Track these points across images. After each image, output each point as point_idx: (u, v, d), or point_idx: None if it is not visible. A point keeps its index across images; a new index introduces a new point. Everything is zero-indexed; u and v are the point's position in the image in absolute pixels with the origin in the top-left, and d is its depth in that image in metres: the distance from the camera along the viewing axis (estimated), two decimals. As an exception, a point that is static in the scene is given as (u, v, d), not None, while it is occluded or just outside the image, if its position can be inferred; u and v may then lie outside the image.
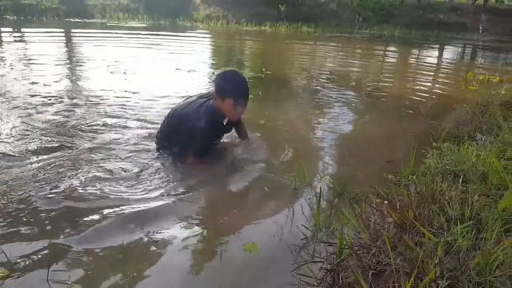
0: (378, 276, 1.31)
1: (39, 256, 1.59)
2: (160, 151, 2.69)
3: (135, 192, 2.18)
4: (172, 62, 6.93)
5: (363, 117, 4.25)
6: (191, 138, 2.43)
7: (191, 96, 2.74)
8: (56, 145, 2.80)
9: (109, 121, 3.43)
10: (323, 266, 1.39)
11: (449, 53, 13.21)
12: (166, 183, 2.31)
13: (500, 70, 8.18)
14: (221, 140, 2.80)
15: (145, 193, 2.18)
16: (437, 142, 2.90)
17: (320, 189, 2.12)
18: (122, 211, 1.97)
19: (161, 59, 7.28)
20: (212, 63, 7.78)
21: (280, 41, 12.88)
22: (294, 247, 1.67)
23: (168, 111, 2.76)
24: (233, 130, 2.91)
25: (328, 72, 7.08)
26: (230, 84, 2.42)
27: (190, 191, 2.24)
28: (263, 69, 6.59)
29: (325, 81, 6.16)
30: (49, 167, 2.41)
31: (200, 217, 1.99)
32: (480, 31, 18.17)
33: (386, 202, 1.54)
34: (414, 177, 2.18)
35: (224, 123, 2.52)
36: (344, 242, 1.40)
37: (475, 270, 1.14)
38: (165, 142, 2.67)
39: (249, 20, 17.37)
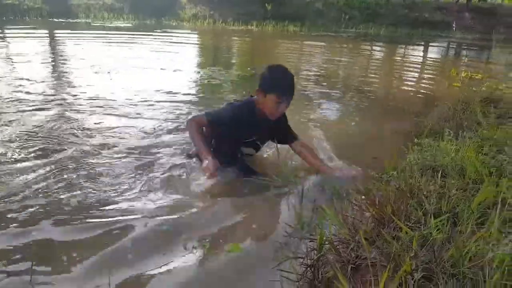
0: (357, 270, 1.33)
1: (22, 260, 1.57)
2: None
3: (115, 192, 2.17)
4: (157, 61, 6.89)
5: (348, 114, 4.29)
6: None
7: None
8: (40, 147, 2.75)
9: (94, 122, 3.40)
10: (304, 261, 1.40)
11: (434, 51, 13.42)
12: (146, 184, 2.30)
13: (482, 67, 8.34)
14: (252, 153, 2.58)
15: (127, 194, 2.17)
16: (419, 139, 2.95)
17: (303, 187, 2.13)
18: (106, 212, 1.96)
19: (146, 59, 7.23)
20: (198, 63, 7.77)
21: (266, 40, 12.90)
22: (277, 244, 1.69)
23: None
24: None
25: (313, 71, 7.14)
26: (277, 80, 2.26)
27: (171, 193, 2.23)
28: (249, 68, 6.61)
29: (310, 79, 6.21)
30: (38, 171, 2.37)
31: (180, 216, 1.99)
32: (454, 29, 18.52)
33: (363, 197, 1.57)
34: (395, 173, 2.21)
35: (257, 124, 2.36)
36: (324, 238, 1.42)
37: (450, 262, 1.17)
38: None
39: (235, 20, 17.35)
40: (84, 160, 2.58)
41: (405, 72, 7.82)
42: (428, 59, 11.01)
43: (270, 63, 2.37)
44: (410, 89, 5.91)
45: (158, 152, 2.79)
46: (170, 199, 2.14)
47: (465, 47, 14.70)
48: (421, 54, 12.21)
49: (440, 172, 1.96)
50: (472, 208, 1.50)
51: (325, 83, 5.91)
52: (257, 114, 2.35)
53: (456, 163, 2.05)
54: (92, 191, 2.17)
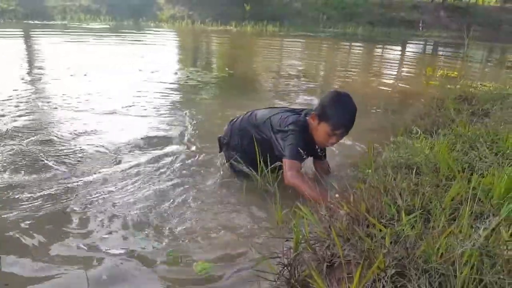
0: (333, 268, 1.34)
1: None
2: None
3: (97, 194, 2.13)
4: (135, 63, 6.81)
5: None
6: (281, 143, 2.15)
7: (270, 108, 2.47)
8: (19, 154, 2.68)
9: (75, 127, 3.31)
10: (281, 261, 1.41)
11: (411, 49, 13.68)
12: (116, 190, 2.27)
13: (457, 65, 8.55)
14: None
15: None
16: (394, 136, 3.00)
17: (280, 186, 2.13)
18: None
19: (124, 60, 7.14)
20: (176, 64, 7.71)
21: (245, 41, 12.90)
22: (255, 244, 1.69)
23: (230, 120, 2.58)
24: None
25: (292, 71, 7.17)
26: (336, 110, 2.04)
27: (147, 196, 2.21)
28: (227, 69, 6.60)
29: (289, 79, 6.25)
30: (16, 177, 2.31)
31: (158, 217, 1.97)
32: (421, 28, 19.00)
33: (337, 195, 1.58)
34: (370, 171, 2.24)
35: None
36: (301, 237, 1.43)
37: (422, 258, 1.19)
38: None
39: (214, 20, 17.30)
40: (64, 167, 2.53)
41: (382, 71, 7.96)
42: (404, 57, 11.24)
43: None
44: (386, 87, 6.01)
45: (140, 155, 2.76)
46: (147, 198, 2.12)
47: (441, 45, 15.03)
48: (398, 52, 12.44)
49: (414, 170, 2.00)
50: (444, 204, 1.53)
51: (302, 83, 5.96)
52: (310, 139, 2.19)
53: (429, 160, 2.09)
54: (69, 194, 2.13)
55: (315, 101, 4.88)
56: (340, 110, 2.05)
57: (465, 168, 1.98)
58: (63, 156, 2.67)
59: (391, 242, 1.26)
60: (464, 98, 3.73)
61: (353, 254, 1.26)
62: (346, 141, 3.46)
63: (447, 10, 24.32)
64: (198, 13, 18.42)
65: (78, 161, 2.61)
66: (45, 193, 2.13)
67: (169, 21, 17.18)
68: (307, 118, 2.21)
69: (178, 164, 2.62)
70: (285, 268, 1.38)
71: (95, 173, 2.43)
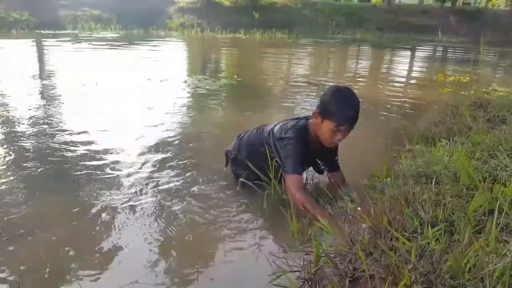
0: (355, 283, 1.30)
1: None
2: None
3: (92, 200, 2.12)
4: (144, 72, 6.82)
5: None
6: (280, 153, 2.11)
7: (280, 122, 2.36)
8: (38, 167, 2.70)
9: (82, 138, 3.32)
10: (301, 275, 1.37)
11: (421, 55, 13.58)
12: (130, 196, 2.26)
13: (468, 70, 8.46)
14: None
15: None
16: (410, 144, 2.95)
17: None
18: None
19: (133, 69, 7.18)
20: (184, 72, 7.74)
21: (254, 48, 12.94)
22: (272, 257, 1.65)
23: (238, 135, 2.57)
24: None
25: (301, 78, 7.16)
26: (338, 105, 1.94)
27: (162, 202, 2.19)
28: (235, 76, 6.60)
29: (298, 86, 6.22)
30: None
31: (172, 229, 1.95)
32: (439, 36, 18.65)
33: (358, 208, 1.55)
34: (388, 180, 2.20)
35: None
36: (321, 250, 1.39)
37: (449, 273, 1.15)
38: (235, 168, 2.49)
39: (223, 28, 17.41)
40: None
41: (392, 77, 7.90)
42: (415, 63, 11.15)
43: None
44: (398, 93, 5.94)
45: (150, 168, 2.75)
46: (162, 211, 2.11)
47: (451, 50, 14.91)
48: (408, 58, 12.35)
49: (434, 179, 1.96)
50: (467, 216, 1.49)
51: (311, 90, 5.92)
52: (310, 137, 2.13)
53: (449, 169, 2.04)
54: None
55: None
56: (342, 105, 1.95)
57: (486, 178, 1.93)
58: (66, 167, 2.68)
59: (415, 256, 1.23)
60: (479, 105, 3.67)
61: (376, 269, 1.22)
62: (360, 147, 3.43)
63: (457, 15, 24.15)
64: (207, 21, 18.54)
65: (85, 173, 2.60)
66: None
67: (179, 29, 17.32)
68: (308, 121, 2.16)
69: (187, 177, 2.57)
70: (306, 282, 1.35)
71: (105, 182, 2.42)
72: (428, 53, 14.24)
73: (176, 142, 3.30)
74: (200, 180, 2.53)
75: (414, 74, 8.50)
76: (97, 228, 1.94)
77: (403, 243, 1.28)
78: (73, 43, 11.11)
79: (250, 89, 5.93)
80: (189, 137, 3.51)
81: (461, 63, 10.72)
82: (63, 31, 14.57)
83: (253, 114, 4.25)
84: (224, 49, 12.33)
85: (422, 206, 1.56)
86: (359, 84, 6.93)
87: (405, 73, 8.70)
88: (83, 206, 2.15)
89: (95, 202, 2.19)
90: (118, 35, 14.54)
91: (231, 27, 17.53)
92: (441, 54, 14.24)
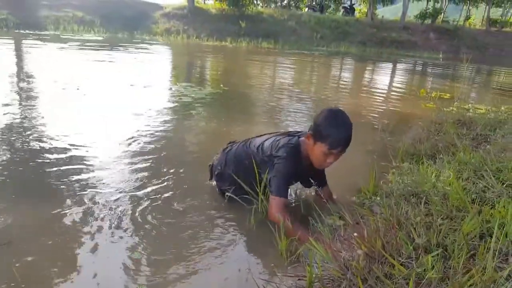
0: (349, 310, 1.26)
1: None
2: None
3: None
4: (127, 77, 6.72)
5: None
6: (268, 170, 2.06)
7: (267, 134, 2.35)
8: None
9: (61, 145, 3.20)
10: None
11: (403, 69, 13.86)
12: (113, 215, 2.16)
13: (448, 86, 8.67)
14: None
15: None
16: (395, 161, 2.96)
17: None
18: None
19: (116, 74, 7.06)
20: (169, 79, 7.65)
21: (241, 56, 12.95)
22: (261, 280, 1.59)
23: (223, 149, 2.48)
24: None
25: (287, 88, 7.17)
26: (331, 128, 1.92)
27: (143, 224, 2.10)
28: (221, 85, 6.55)
29: (283, 97, 6.23)
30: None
31: (152, 247, 1.86)
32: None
33: (355, 234, 1.50)
34: (378, 198, 2.18)
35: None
36: (314, 275, 1.35)
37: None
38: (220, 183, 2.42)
39: (209, 35, 17.42)
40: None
41: (375, 91, 7.99)
42: (398, 77, 11.35)
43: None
44: (381, 108, 6.01)
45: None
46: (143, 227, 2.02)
47: (431, 66, 15.29)
48: (391, 72, 12.58)
49: (423, 199, 1.95)
50: (461, 241, 1.47)
51: (296, 101, 5.94)
52: (302, 155, 2.09)
53: (438, 189, 2.04)
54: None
55: (309, 119, 4.85)
56: (336, 129, 1.93)
57: (474, 199, 1.93)
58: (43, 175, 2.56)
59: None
60: (463, 123, 3.72)
61: (372, 297, 1.18)
62: (346, 162, 3.42)
63: (436, 32, 24.90)
64: (193, 28, 18.51)
65: (61, 182, 2.49)
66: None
67: (164, 35, 17.22)
68: (300, 139, 2.13)
69: (170, 190, 2.47)
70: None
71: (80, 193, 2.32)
72: (409, 67, 14.56)
73: (160, 152, 3.19)
74: (184, 194, 2.44)
75: (397, 89, 8.63)
76: (72, 240, 1.84)
77: (399, 269, 1.25)
78: (54, 45, 10.86)
79: (236, 98, 5.90)
80: (173, 148, 3.42)
81: (441, 79, 10.99)
82: (44, 32, 14.27)
83: (239, 124, 4.20)
84: (211, 56, 12.28)
85: (415, 229, 1.53)
86: (343, 96, 6.99)
87: (388, 87, 8.83)
88: (58, 216, 2.04)
89: (70, 212, 2.08)
90: (102, 38, 14.32)
91: (217, 35, 17.56)
92: (422, 69, 14.56)
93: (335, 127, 1.93)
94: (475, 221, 1.58)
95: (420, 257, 1.33)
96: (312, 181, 2.16)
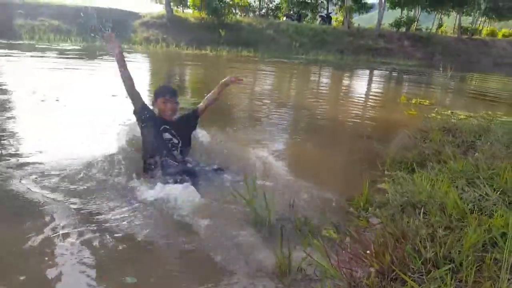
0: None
1: None
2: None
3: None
4: (108, 87, 6.51)
5: (305, 142, 4.24)
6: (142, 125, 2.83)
7: None
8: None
9: (45, 157, 3.07)
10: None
11: (380, 77, 14.11)
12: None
13: (426, 92, 8.88)
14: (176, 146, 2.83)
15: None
16: (384, 167, 2.99)
17: (281, 230, 1.98)
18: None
19: (97, 84, 6.88)
20: (151, 89, 7.50)
21: (222, 65, 12.92)
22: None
23: None
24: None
25: (267, 97, 7.17)
26: (156, 90, 2.89)
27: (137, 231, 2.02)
28: (205, 94, 6.47)
29: (264, 106, 6.20)
30: None
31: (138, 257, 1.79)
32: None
33: (368, 252, 1.47)
34: (377, 210, 2.18)
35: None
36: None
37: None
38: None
39: (189, 44, 17.32)
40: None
41: (356, 99, 8.08)
42: (378, 85, 11.54)
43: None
44: (366, 115, 6.08)
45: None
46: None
47: (408, 73, 15.65)
48: (370, 80, 12.79)
49: (421, 209, 1.95)
50: (466, 252, 1.47)
51: (278, 110, 5.92)
52: (162, 119, 2.81)
53: (435, 199, 2.05)
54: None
55: (289, 126, 4.84)
56: (158, 88, 2.91)
57: (472, 209, 1.95)
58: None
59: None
60: (448, 130, 3.79)
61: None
62: (336, 170, 3.43)
63: (411, 39, 25.57)
64: (172, 37, 18.38)
65: (34, 199, 2.36)
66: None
67: (143, 44, 17.02)
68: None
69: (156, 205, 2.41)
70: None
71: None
72: (386, 74, 14.85)
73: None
74: (159, 209, 2.35)
75: (378, 96, 8.75)
76: (40, 259, 1.75)
77: (412, 286, 1.23)
78: (30, 55, 10.56)
79: (220, 107, 5.82)
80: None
81: (417, 86, 11.25)
82: (19, 42, 13.85)
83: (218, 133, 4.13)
84: (192, 65, 12.19)
85: (420, 242, 1.53)
86: (326, 104, 7.03)
87: (369, 95, 8.95)
88: (26, 233, 1.94)
89: (40, 231, 1.98)
90: (79, 47, 14.02)
91: (197, 44, 17.49)
92: (397, 75, 14.87)
93: (158, 88, 2.91)
94: (478, 233, 1.59)
95: (429, 270, 1.32)
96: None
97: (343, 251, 1.54)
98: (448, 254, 1.48)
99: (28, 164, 2.89)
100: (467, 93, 10.09)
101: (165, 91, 2.84)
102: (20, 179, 2.60)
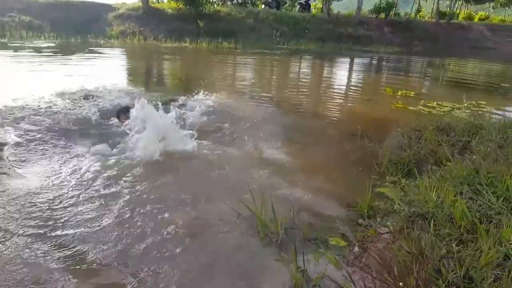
0: None
1: None
2: None
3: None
4: (84, 84, 6.21)
5: (294, 141, 4.16)
6: None
7: None
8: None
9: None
10: None
11: (363, 66, 14.16)
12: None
13: (408, 81, 9.02)
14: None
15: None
16: (381, 168, 3.02)
17: (295, 244, 2.01)
18: None
19: (72, 82, 6.56)
20: (128, 85, 7.28)
21: (203, 58, 12.73)
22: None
23: None
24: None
25: (249, 90, 7.10)
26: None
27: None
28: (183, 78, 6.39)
29: (248, 101, 6.13)
30: None
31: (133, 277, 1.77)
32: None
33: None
34: (384, 219, 2.21)
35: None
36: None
37: None
38: None
39: (167, 36, 17.00)
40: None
41: (343, 92, 8.10)
42: (360, 75, 11.58)
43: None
44: (353, 112, 6.07)
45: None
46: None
47: (387, 59, 15.79)
48: (352, 71, 12.83)
49: (431, 221, 1.99)
50: (483, 269, 1.51)
51: (264, 105, 5.86)
52: None
53: (442, 209, 2.09)
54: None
55: (276, 126, 4.79)
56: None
57: (481, 219, 2.00)
58: None
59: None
60: (442, 129, 3.86)
61: None
62: (331, 173, 3.43)
63: (390, 25, 25.79)
64: (149, 29, 17.98)
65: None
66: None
67: (120, 38, 16.59)
68: None
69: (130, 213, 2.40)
70: None
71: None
72: (368, 63, 14.95)
73: (129, 175, 3.02)
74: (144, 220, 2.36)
75: (363, 88, 8.78)
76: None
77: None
78: (4, 53, 10.14)
79: (208, 105, 5.70)
80: (144, 170, 3.17)
81: (400, 74, 11.38)
82: (-11, 40, 13.31)
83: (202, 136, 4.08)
84: (172, 59, 11.96)
85: (440, 261, 1.56)
86: (310, 100, 7.01)
87: (354, 86, 8.99)
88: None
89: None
90: (53, 44, 13.54)
91: (175, 35, 17.17)
92: (379, 63, 14.98)
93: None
94: (493, 252, 1.62)
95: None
96: None
97: (362, 266, 1.57)
98: (466, 273, 1.52)
99: None
100: (449, 81, 10.26)
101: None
102: None
